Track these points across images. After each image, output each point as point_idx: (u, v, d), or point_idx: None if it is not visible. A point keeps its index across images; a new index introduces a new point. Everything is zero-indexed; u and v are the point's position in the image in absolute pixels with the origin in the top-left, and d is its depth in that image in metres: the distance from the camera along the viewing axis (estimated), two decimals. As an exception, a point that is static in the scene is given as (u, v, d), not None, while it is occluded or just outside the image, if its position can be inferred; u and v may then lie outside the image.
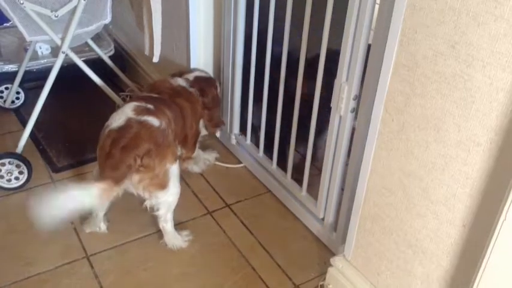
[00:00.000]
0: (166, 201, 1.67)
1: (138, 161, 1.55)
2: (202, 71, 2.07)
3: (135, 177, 1.58)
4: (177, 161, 1.69)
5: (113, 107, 2.07)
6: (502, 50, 0.97)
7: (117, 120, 1.62)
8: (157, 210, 1.68)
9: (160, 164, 1.59)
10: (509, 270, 1.05)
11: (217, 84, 2.06)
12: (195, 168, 2.10)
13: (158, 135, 1.61)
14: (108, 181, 1.51)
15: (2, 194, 1.93)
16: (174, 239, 1.75)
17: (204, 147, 2.18)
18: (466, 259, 1.17)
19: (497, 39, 0.97)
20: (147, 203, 1.67)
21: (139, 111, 1.64)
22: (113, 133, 1.58)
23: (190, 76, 1.97)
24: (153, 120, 1.62)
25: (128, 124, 1.59)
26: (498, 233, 1.00)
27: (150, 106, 1.67)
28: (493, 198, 1.05)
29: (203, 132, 2.06)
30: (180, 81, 1.91)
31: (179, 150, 1.82)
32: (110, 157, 1.54)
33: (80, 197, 1.46)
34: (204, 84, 1.98)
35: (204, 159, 2.14)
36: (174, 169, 1.66)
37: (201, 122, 2.00)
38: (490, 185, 1.07)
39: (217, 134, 2.32)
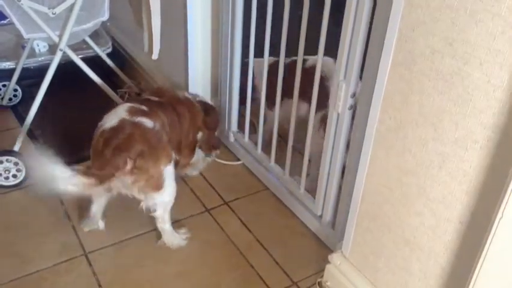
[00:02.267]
0: (162, 201, 1.67)
1: (130, 163, 1.54)
2: (203, 97, 2.09)
3: (129, 179, 1.57)
4: (172, 161, 1.68)
5: (110, 104, 2.06)
6: (499, 47, 0.97)
7: (110, 120, 1.62)
8: (154, 211, 1.67)
9: (154, 166, 1.59)
10: (506, 267, 1.06)
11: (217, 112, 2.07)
12: (193, 172, 2.09)
13: (152, 136, 1.60)
14: (92, 179, 1.49)
15: (-1, 191, 1.93)
16: (173, 238, 1.75)
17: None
18: (463, 256, 1.17)
19: (495, 37, 0.97)
20: (143, 204, 1.66)
21: (133, 112, 1.64)
22: (106, 133, 1.58)
23: (193, 98, 1.98)
24: (147, 122, 1.62)
25: (121, 125, 1.59)
26: (495, 231, 1.00)
27: (144, 108, 1.68)
28: (490, 196, 1.06)
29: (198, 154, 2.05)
30: (186, 94, 1.93)
31: (173, 157, 1.80)
32: (101, 156, 1.54)
33: (58, 179, 1.44)
34: (207, 106, 1.99)
35: (203, 157, 2.13)
36: (169, 169, 1.65)
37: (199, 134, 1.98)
38: (487, 182, 1.07)
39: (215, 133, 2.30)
